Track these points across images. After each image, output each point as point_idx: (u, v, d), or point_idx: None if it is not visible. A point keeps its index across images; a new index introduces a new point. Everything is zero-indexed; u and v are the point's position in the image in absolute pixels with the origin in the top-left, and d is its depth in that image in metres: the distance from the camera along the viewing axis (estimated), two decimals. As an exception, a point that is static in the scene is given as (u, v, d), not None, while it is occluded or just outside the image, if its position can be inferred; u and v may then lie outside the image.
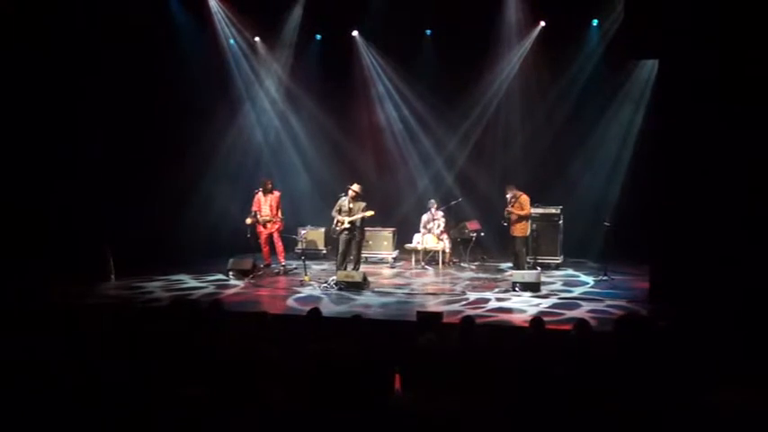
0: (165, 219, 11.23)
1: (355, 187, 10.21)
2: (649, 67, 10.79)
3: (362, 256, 11.87)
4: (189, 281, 10.19)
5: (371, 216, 10.20)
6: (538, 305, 8.31)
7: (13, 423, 3.32)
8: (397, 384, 4.08)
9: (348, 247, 10.24)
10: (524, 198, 10.29)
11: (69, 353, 4.14)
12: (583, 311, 7.85)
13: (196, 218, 11.83)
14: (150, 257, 10.80)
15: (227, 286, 9.80)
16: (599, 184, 12.07)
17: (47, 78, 9.54)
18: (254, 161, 13.43)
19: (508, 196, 10.39)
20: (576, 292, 9.21)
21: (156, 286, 9.68)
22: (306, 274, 10.10)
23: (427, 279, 10.61)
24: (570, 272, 10.81)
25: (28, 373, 3.77)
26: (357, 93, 13.65)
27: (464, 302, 8.58)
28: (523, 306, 8.26)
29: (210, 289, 9.55)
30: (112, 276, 9.98)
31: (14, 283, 7.76)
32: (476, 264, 11.69)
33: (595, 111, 12.01)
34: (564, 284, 9.72)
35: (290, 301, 8.82)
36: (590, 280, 9.95)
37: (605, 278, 9.88)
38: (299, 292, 9.36)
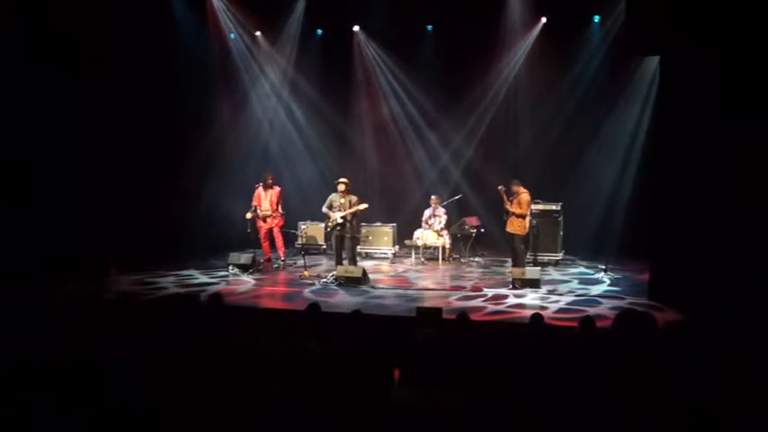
0: (173, 216, 11.22)
1: (343, 180, 10.10)
2: (655, 64, 10.70)
3: (363, 251, 11.89)
4: (199, 276, 10.12)
5: (365, 209, 10.05)
6: (557, 302, 8.25)
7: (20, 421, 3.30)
8: (396, 375, 4.07)
9: (341, 243, 10.16)
10: (524, 197, 10.01)
11: (76, 349, 4.08)
12: (605, 309, 7.79)
13: (204, 214, 11.84)
14: (159, 254, 10.79)
15: (238, 281, 9.74)
16: (607, 180, 12.01)
17: (51, 79, 9.48)
18: (261, 156, 13.38)
19: (501, 188, 10.06)
20: (594, 289, 9.06)
21: (168, 282, 9.61)
22: (305, 270, 10.09)
23: (436, 275, 10.56)
24: (582, 269, 10.70)
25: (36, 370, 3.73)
26: (360, 87, 13.66)
27: (483, 298, 8.51)
28: (544, 303, 8.18)
29: (222, 284, 9.48)
30: (114, 273, 9.93)
31: (20, 280, 7.69)
32: (476, 260, 11.66)
33: (602, 106, 11.90)
34: (580, 282, 9.58)
35: (307, 293, 8.81)
36: (606, 278, 9.78)
37: (608, 274, 9.90)
38: (313, 285, 9.37)
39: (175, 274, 10.13)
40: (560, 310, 7.74)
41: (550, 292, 8.78)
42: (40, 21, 9.26)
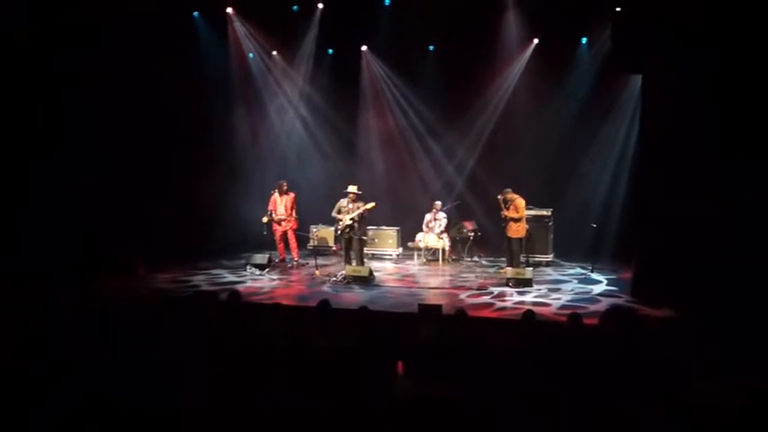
0: (198, 219, 11.30)
1: (353, 188, 10.12)
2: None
3: (369, 252, 11.86)
4: (227, 275, 10.12)
5: (373, 207, 10.00)
6: (558, 299, 8.23)
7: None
8: (400, 371, 4.03)
9: (350, 244, 10.16)
10: (519, 202, 10.05)
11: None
12: (603, 306, 7.64)
13: (225, 218, 11.88)
14: (182, 254, 10.92)
15: (255, 280, 9.76)
16: (600, 188, 11.94)
17: (89, 91, 9.60)
18: (279, 164, 13.36)
19: (499, 197, 10.17)
20: (595, 288, 8.98)
21: (200, 280, 9.65)
22: (317, 269, 10.08)
23: (438, 274, 10.52)
24: (579, 270, 10.57)
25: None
26: (368, 102, 13.72)
27: (490, 296, 8.48)
28: (546, 300, 8.19)
29: (249, 283, 9.49)
30: (143, 272, 9.94)
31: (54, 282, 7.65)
32: (474, 260, 11.61)
33: (595, 119, 11.81)
34: (579, 282, 9.50)
35: (319, 292, 8.79)
36: (603, 278, 9.71)
37: (594, 273, 9.95)
38: (324, 284, 9.40)
39: (206, 273, 10.18)
40: (562, 307, 7.73)
41: (551, 289, 8.79)
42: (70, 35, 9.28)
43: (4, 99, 8.82)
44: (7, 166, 8.85)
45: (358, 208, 9.95)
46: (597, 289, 8.96)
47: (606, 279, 9.61)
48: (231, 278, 9.86)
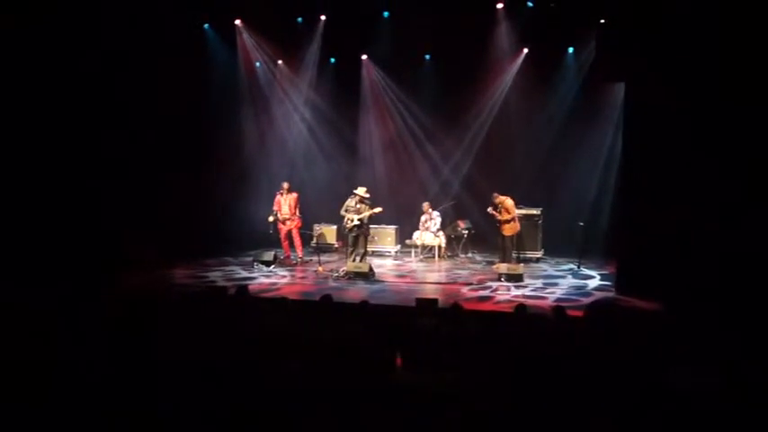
0: (214, 220, 11.43)
1: (361, 191, 10.19)
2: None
3: (369, 249, 11.88)
4: (241, 272, 10.17)
5: (380, 212, 10.13)
6: (554, 293, 8.28)
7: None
8: (398, 361, 4.07)
9: (356, 241, 10.23)
10: (508, 203, 10.14)
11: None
12: (595, 299, 7.82)
13: (239, 218, 11.93)
14: (200, 253, 11.01)
15: (274, 275, 9.84)
16: (591, 188, 11.96)
17: (109, 102, 9.65)
18: (287, 166, 13.37)
19: (490, 209, 10.27)
20: (589, 283, 9.00)
21: (216, 275, 9.71)
22: (320, 266, 10.11)
23: (435, 270, 10.55)
24: (571, 266, 10.51)
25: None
26: (368, 107, 13.75)
27: (488, 290, 8.52)
28: (542, 294, 8.26)
29: (262, 279, 9.54)
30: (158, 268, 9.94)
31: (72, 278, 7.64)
32: (468, 256, 11.65)
33: (583, 123, 11.81)
34: (574, 277, 9.55)
35: (322, 287, 8.80)
36: (596, 273, 9.73)
37: (578, 269, 9.99)
38: (326, 279, 9.46)
39: (220, 270, 10.24)
40: (557, 300, 7.79)
41: (546, 283, 8.83)
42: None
43: (32, 103, 8.84)
44: (30, 166, 8.87)
45: (359, 211, 10.03)
46: (592, 284, 9.00)
47: (599, 274, 9.63)
48: (244, 274, 9.91)
